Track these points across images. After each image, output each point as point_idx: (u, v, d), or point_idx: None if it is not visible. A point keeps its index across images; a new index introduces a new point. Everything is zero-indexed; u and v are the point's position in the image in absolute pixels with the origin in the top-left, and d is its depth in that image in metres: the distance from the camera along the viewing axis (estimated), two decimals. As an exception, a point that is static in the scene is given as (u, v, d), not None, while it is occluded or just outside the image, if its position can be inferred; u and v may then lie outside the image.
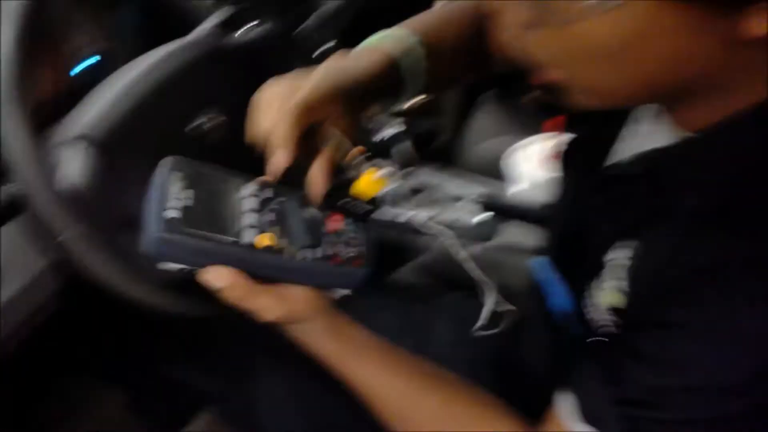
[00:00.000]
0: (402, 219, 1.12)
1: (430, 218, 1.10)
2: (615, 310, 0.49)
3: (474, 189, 1.17)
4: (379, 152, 1.20)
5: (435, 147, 1.53)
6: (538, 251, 0.62)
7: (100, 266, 0.52)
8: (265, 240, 0.51)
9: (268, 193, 0.56)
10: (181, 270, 0.50)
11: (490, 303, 0.60)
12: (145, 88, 0.62)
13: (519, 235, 1.03)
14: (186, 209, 0.49)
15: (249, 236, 0.51)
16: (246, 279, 0.51)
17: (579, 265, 0.54)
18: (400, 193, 1.18)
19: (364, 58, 0.60)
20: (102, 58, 0.82)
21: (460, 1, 0.72)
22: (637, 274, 0.47)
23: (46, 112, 0.72)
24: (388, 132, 1.10)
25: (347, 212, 0.58)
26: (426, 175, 1.21)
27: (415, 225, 1.10)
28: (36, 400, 0.99)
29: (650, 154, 0.49)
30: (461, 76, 0.76)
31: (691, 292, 0.42)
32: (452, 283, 0.91)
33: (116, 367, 0.95)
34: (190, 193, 0.50)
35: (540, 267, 0.56)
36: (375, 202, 0.57)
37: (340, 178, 0.55)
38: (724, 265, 0.41)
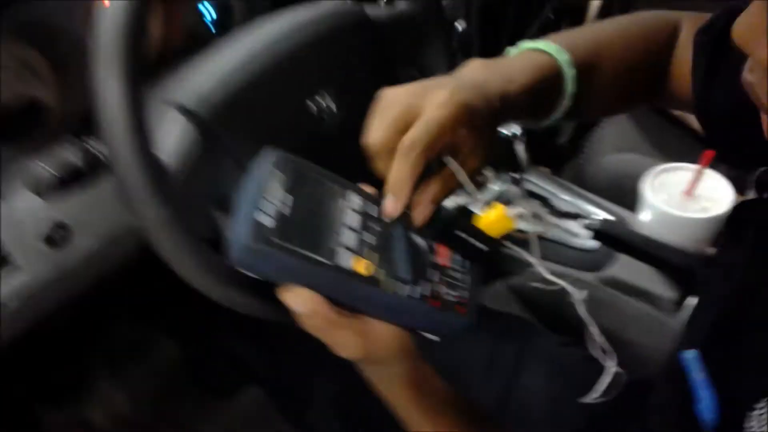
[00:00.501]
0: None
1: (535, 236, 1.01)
2: None
3: (589, 209, 1.06)
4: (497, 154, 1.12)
5: (552, 149, 1.42)
6: (683, 339, 0.51)
7: (177, 254, 0.46)
8: (360, 267, 0.44)
9: (373, 210, 0.48)
10: (263, 279, 0.45)
11: (609, 373, 0.51)
12: (265, 64, 0.56)
13: (634, 272, 0.92)
14: (281, 217, 0.43)
15: (344, 259, 0.44)
16: (328, 308, 0.45)
17: (740, 370, 0.43)
18: (508, 197, 1.10)
19: (523, 60, 0.52)
20: (222, 8, 0.77)
21: (645, 16, 0.61)
22: None
23: (153, 61, 0.69)
24: (505, 131, 1.01)
25: (460, 247, 0.50)
26: (537, 183, 1.11)
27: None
28: (94, 341, 1.00)
29: None
30: (618, 108, 0.65)
31: None
32: (550, 321, 0.82)
33: (176, 322, 0.94)
34: (289, 198, 0.44)
35: (690, 364, 0.45)
36: (495, 244, 0.49)
37: (459, 206, 0.47)
38: None
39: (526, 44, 0.56)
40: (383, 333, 0.47)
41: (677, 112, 1.18)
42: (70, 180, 0.52)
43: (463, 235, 0.48)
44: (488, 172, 1.15)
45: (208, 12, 0.76)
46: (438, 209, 0.48)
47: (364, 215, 0.48)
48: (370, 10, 0.67)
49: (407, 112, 0.45)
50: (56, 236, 0.53)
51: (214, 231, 0.52)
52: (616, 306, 0.84)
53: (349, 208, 0.47)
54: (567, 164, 1.38)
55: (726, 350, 0.45)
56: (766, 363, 0.40)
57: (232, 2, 0.78)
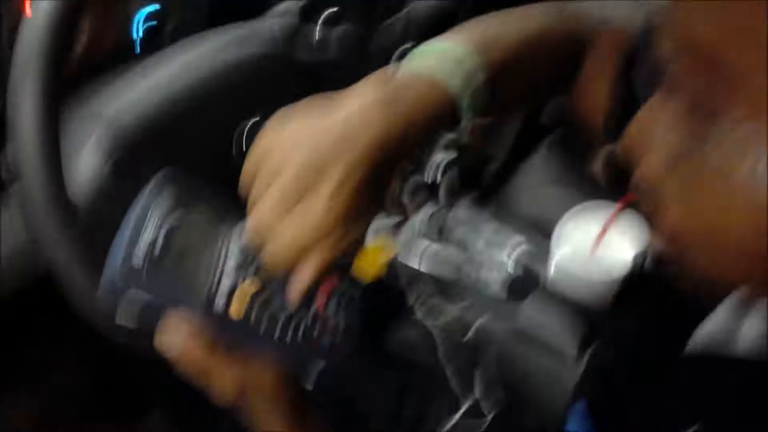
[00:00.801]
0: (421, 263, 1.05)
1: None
2: None
3: (513, 240, 1.09)
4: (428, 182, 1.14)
5: (482, 175, 1.45)
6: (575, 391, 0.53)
7: (76, 287, 0.45)
8: (236, 305, 0.44)
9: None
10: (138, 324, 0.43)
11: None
12: (186, 99, 0.55)
13: (540, 323, 0.94)
14: (153, 256, 0.41)
15: (221, 296, 0.43)
16: (202, 352, 0.43)
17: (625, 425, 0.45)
18: (429, 234, 1.12)
19: (417, 103, 0.47)
20: (156, 20, 0.76)
21: (547, 11, 0.57)
22: None
23: (74, 71, 0.67)
24: (438, 159, 1.03)
25: (337, 290, 0.50)
26: (460, 218, 1.14)
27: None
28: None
29: (741, 363, 0.40)
30: (526, 103, 0.63)
31: None
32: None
33: (84, 344, 0.91)
34: (169, 224, 0.43)
35: (576, 415, 0.47)
36: (375, 281, 0.50)
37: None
38: None
39: (433, 44, 0.51)
40: (259, 378, 0.46)
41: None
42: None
43: (340, 278, 0.49)
44: (411, 203, 1.17)
45: (141, 22, 0.75)
46: None
47: (245, 254, 0.46)
48: (299, 54, 0.67)
49: (301, 188, 0.42)
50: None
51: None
52: (522, 361, 0.86)
53: (235, 240, 0.46)
54: (496, 192, 1.41)
55: (613, 410, 0.47)
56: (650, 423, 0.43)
57: (167, 12, 0.77)
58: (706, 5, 0.29)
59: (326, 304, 0.48)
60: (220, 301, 0.43)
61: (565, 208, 0.96)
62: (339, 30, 0.72)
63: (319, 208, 0.42)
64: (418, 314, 0.92)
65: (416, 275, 1.04)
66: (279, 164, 0.43)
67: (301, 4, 0.69)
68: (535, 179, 1.26)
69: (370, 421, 0.67)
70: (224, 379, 0.44)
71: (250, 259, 0.46)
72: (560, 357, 0.85)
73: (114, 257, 0.41)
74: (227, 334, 0.44)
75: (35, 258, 0.51)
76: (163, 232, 0.42)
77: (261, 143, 0.44)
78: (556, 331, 0.91)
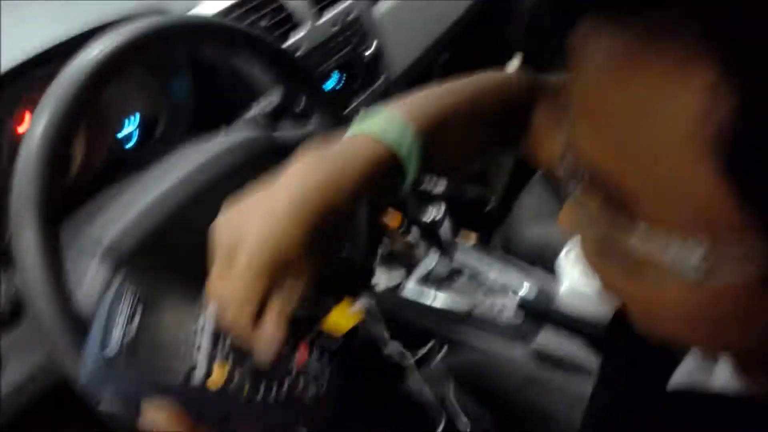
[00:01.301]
0: (430, 302, 1.08)
1: (469, 309, 1.06)
2: None
3: (518, 279, 1.11)
4: (423, 231, 1.17)
5: (481, 215, 1.48)
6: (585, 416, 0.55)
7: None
8: (214, 377, 0.45)
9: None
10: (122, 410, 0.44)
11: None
12: (179, 199, 0.59)
13: (558, 343, 0.96)
14: (126, 345, 0.42)
15: (198, 371, 0.44)
16: (188, 425, 0.43)
17: None
18: (438, 273, 1.15)
19: (351, 155, 0.47)
20: (146, 123, 0.80)
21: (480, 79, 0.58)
22: None
23: (72, 185, 0.71)
24: (430, 215, 1.06)
25: (315, 347, 0.51)
26: (468, 255, 1.16)
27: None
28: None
29: (716, 399, 0.41)
30: (467, 160, 0.59)
31: None
32: (484, 398, 0.86)
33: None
34: (137, 319, 0.44)
35: None
36: (349, 335, 0.52)
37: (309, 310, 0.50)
38: None
39: (370, 117, 0.52)
40: None
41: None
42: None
43: (316, 333, 0.50)
44: (419, 250, 1.19)
45: (132, 127, 0.80)
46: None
47: (221, 324, 0.47)
48: (282, 134, 0.71)
49: (231, 252, 0.44)
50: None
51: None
52: (542, 380, 0.88)
53: (205, 320, 0.47)
54: (495, 231, 1.44)
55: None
56: None
57: (156, 117, 0.82)
58: (590, 127, 0.31)
59: (307, 359, 0.50)
60: (198, 375, 0.44)
61: (558, 240, 0.99)
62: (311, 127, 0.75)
63: (242, 264, 0.43)
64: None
65: (430, 314, 1.07)
66: (218, 238, 0.45)
67: (271, 107, 0.74)
68: (534, 213, 1.29)
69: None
70: None
71: (224, 334, 0.47)
72: (580, 372, 0.87)
73: (89, 351, 0.42)
74: (209, 407, 0.44)
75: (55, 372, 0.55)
76: (135, 321, 0.44)
77: (214, 224, 0.46)
78: (574, 349, 0.93)
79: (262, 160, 0.67)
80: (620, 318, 0.55)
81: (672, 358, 0.46)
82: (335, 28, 0.95)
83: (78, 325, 0.47)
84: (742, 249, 0.28)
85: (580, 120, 0.32)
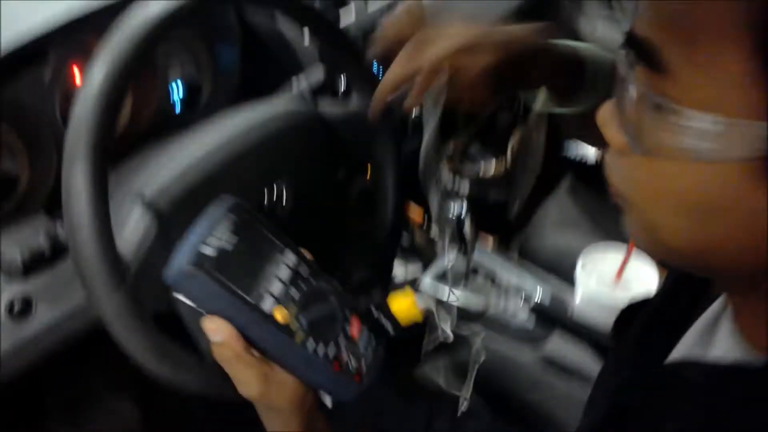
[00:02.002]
0: (446, 299, 1.09)
1: (481, 311, 1.07)
2: None
3: (532, 285, 1.12)
4: (443, 229, 1.18)
5: (502, 222, 1.49)
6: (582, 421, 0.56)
7: (129, 338, 0.50)
8: (278, 314, 0.50)
9: (305, 271, 0.54)
10: (191, 310, 0.49)
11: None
12: (222, 159, 0.60)
13: (568, 350, 0.97)
14: (222, 252, 0.49)
15: (266, 304, 0.49)
16: (240, 343, 0.49)
17: None
18: (455, 271, 1.16)
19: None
20: (191, 89, 0.82)
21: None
22: None
23: (119, 140, 0.73)
24: (452, 213, 1.07)
25: (371, 324, 0.56)
26: (486, 257, 1.17)
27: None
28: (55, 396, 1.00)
29: (715, 368, 0.43)
30: None
31: None
32: (492, 397, 0.87)
33: (137, 385, 0.95)
34: (234, 239, 0.50)
35: None
36: (401, 329, 0.55)
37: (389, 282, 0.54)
38: None
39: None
40: (284, 383, 0.51)
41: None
42: (33, 265, 0.55)
43: (375, 313, 0.56)
44: (439, 246, 1.21)
45: (177, 92, 0.81)
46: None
47: (296, 273, 0.53)
48: (324, 108, 0.72)
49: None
50: (17, 309, 0.56)
51: (169, 307, 0.56)
52: (548, 386, 0.89)
53: (284, 263, 0.53)
54: (515, 236, 1.44)
55: None
56: None
57: (201, 83, 0.83)
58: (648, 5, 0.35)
59: (359, 333, 0.54)
60: (267, 304, 0.49)
61: (583, 247, 0.99)
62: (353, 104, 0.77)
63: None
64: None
65: (447, 308, 1.08)
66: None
67: (315, 81, 0.75)
68: (555, 221, 1.29)
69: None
70: (252, 373, 0.50)
71: (296, 283, 0.52)
72: (586, 380, 0.88)
73: (185, 247, 0.48)
74: (265, 339, 0.50)
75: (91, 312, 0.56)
76: (232, 240, 0.50)
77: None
78: (582, 357, 0.94)
79: (303, 131, 0.68)
80: (626, 314, 0.57)
81: (674, 335, 0.48)
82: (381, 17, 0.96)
83: (117, 269, 0.49)
84: (757, 130, 0.31)
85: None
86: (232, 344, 0.49)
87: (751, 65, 0.31)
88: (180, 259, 0.47)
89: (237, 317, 0.49)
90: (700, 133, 0.33)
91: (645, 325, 0.54)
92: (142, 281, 0.52)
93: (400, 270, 1.19)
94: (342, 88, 0.81)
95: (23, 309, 0.56)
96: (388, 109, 0.77)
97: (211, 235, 0.49)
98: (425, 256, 1.20)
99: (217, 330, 0.49)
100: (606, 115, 0.40)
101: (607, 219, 1.25)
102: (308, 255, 0.57)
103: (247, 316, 0.49)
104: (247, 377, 0.50)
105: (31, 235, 0.57)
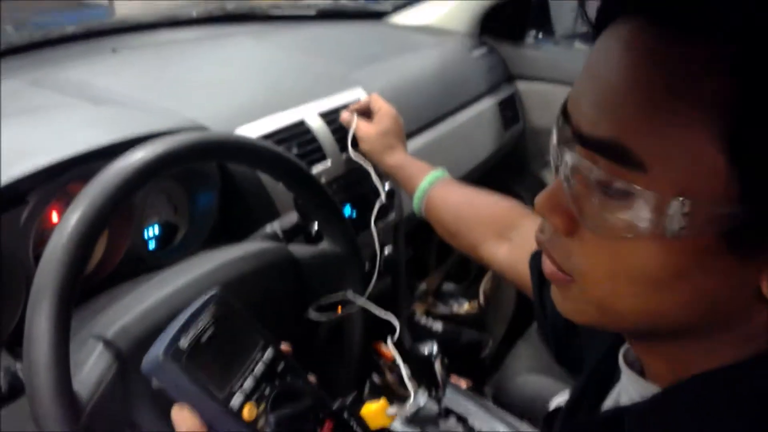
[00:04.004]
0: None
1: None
2: None
3: (509, 420, 1.10)
4: (414, 366, 1.18)
5: (475, 363, 1.48)
6: None
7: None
8: (246, 412, 0.50)
9: (281, 367, 0.55)
10: (165, 395, 0.50)
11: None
12: (188, 300, 0.61)
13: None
14: (198, 344, 0.50)
15: (236, 400, 0.50)
16: None
17: None
18: (426, 413, 1.14)
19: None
20: (167, 229, 0.84)
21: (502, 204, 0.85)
22: None
23: (93, 279, 0.74)
24: (424, 350, 1.08)
25: (342, 428, 0.55)
26: (457, 399, 1.16)
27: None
28: None
29: (615, 412, 0.46)
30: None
31: None
32: None
33: None
34: (213, 331, 0.52)
35: None
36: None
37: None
38: None
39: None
40: None
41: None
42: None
43: (347, 417, 0.55)
44: (410, 388, 1.19)
45: (152, 233, 0.83)
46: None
47: (271, 370, 0.54)
48: (295, 250, 0.75)
49: None
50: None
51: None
52: None
53: (261, 358, 0.54)
54: (489, 379, 1.43)
55: None
56: None
57: (177, 225, 0.86)
58: (602, 103, 0.37)
59: None
60: (237, 400, 0.50)
61: (549, 394, 0.99)
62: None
63: None
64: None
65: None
66: None
67: (290, 224, 0.79)
68: (528, 364, 1.29)
69: None
70: None
71: (269, 380, 0.53)
72: None
73: (164, 337, 0.49)
74: (230, 429, 0.50)
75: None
76: (209, 331, 0.52)
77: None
78: None
79: (274, 270, 0.70)
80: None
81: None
82: (355, 166, 1.02)
83: (71, 409, 0.49)
84: (723, 210, 0.34)
85: (594, 95, 0.38)
86: None
87: (718, 148, 0.33)
88: (156, 349, 0.49)
89: (204, 410, 0.49)
90: (667, 214, 0.35)
91: (569, 409, 0.56)
92: (97, 420, 0.52)
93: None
94: (314, 232, 0.85)
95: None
96: (357, 249, 0.80)
97: (191, 326, 0.51)
98: (395, 395, 1.18)
99: (182, 421, 0.49)
100: (545, 201, 0.42)
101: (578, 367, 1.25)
102: (287, 349, 0.58)
103: (213, 410, 0.49)
104: None
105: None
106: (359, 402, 0.58)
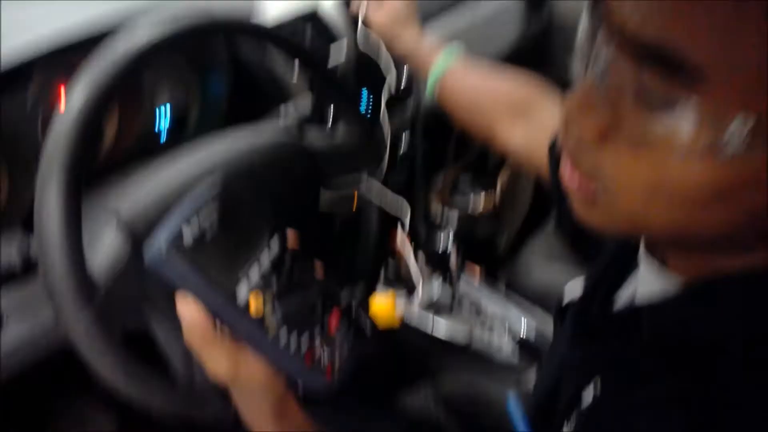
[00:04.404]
0: (433, 328, 1.08)
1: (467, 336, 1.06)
2: None
3: (518, 317, 1.12)
4: (430, 258, 1.18)
5: (491, 254, 1.49)
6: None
7: (95, 358, 0.49)
8: (252, 303, 0.49)
9: (288, 257, 0.53)
10: (167, 286, 0.49)
11: None
12: (198, 182, 0.61)
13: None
14: (202, 234, 0.48)
15: (242, 291, 0.49)
16: (209, 326, 0.49)
17: (550, 416, 0.49)
18: (441, 301, 1.15)
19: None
20: (178, 114, 0.83)
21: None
22: (587, 416, 0.43)
23: (101, 162, 0.73)
24: (441, 242, 1.08)
25: (350, 321, 0.55)
26: (472, 287, 1.17)
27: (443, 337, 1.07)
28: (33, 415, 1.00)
29: (633, 309, 0.45)
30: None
31: None
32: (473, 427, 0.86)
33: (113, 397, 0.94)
34: (218, 221, 0.50)
35: (512, 404, 0.51)
36: (378, 332, 0.55)
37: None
38: None
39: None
40: (254, 366, 0.51)
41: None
42: (4, 280, 0.55)
43: (355, 311, 0.55)
44: (425, 274, 1.21)
45: (164, 116, 0.82)
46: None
47: (279, 261, 0.52)
48: (310, 140, 0.73)
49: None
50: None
51: (143, 326, 0.56)
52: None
53: (268, 249, 0.52)
54: (503, 268, 1.44)
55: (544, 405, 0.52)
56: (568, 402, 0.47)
57: (188, 109, 0.84)
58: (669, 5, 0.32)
59: (336, 329, 0.54)
60: (242, 295, 0.49)
61: (563, 281, 0.99)
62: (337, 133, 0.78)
63: None
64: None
65: (429, 340, 1.08)
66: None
67: (301, 112, 0.76)
68: (543, 255, 1.29)
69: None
70: (220, 356, 0.50)
71: (276, 270, 0.52)
72: None
73: (166, 227, 0.48)
74: (238, 323, 0.49)
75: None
76: (213, 221, 0.49)
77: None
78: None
79: (288, 162, 0.69)
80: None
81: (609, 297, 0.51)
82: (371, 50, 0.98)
83: (85, 287, 0.49)
84: None
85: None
86: (201, 326, 0.49)
87: None
88: (159, 239, 0.47)
89: (209, 302, 0.49)
90: (725, 130, 0.31)
91: (582, 300, 0.55)
92: (112, 300, 0.52)
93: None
94: (329, 119, 0.82)
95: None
96: (374, 136, 0.78)
97: (195, 215, 0.49)
98: (409, 285, 1.20)
99: (187, 311, 0.49)
100: (575, 103, 0.37)
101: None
102: (294, 239, 0.56)
103: (218, 301, 0.48)
104: (215, 359, 0.50)
105: (5, 251, 0.57)
106: (368, 295, 0.57)
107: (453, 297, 1.15)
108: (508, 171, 1.55)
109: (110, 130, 0.74)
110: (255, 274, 0.50)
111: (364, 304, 0.55)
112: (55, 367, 0.68)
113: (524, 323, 1.09)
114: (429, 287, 1.19)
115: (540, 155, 0.71)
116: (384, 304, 0.53)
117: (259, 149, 0.67)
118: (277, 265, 0.52)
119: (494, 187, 1.56)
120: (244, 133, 0.69)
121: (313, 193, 0.75)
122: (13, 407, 0.93)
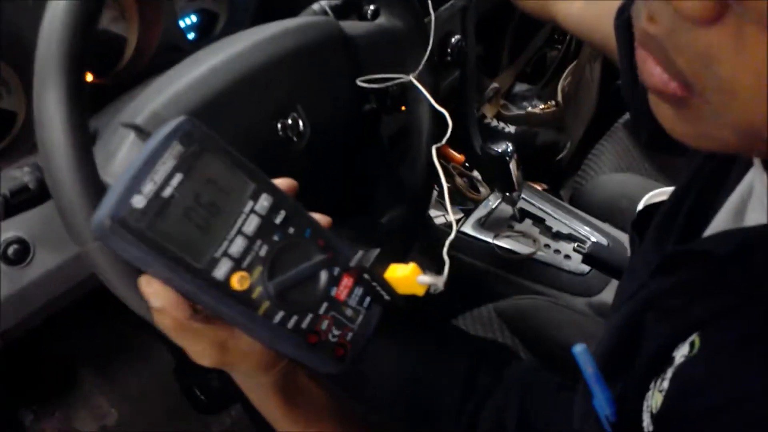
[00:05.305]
0: (490, 243, 1.01)
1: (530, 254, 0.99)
2: (652, 416, 0.36)
3: (582, 230, 1.03)
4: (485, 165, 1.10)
5: (552, 165, 1.39)
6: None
7: (114, 277, 0.44)
8: (235, 280, 0.39)
9: (279, 215, 0.41)
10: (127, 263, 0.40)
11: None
12: (226, 80, 0.53)
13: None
14: (159, 200, 0.37)
15: (221, 268, 0.38)
16: (182, 311, 0.39)
17: (629, 364, 0.41)
18: (498, 216, 1.08)
19: None
20: (206, 18, 0.76)
21: None
22: (685, 377, 0.35)
23: (128, 72, 0.67)
24: (497, 149, 0.99)
25: (364, 287, 0.45)
26: (534, 202, 1.09)
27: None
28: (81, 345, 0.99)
29: (744, 233, 0.36)
30: None
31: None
32: (533, 344, 0.80)
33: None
34: (181, 178, 0.37)
35: (579, 358, 0.43)
36: (398, 299, 0.45)
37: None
38: None
39: None
40: (246, 348, 0.42)
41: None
42: (19, 201, 0.50)
43: (370, 275, 0.43)
44: (483, 189, 1.13)
45: (190, 23, 0.75)
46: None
47: (267, 222, 0.41)
48: (348, 26, 0.64)
49: None
50: (13, 254, 0.52)
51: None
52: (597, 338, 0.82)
53: (252, 208, 0.40)
54: (566, 181, 1.35)
55: (622, 349, 0.44)
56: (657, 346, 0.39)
57: (216, 11, 0.77)
58: None
59: (347, 297, 0.44)
60: (222, 269, 0.38)
61: (643, 193, 0.90)
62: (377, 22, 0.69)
63: None
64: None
65: (489, 257, 1.01)
66: None
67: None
68: (611, 164, 1.19)
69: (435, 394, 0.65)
70: (203, 343, 0.41)
71: (266, 232, 0.41)
72: None
73: (114, 189, 0.36)
74: (220, 304, 0.39)
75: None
76: (175, 179, 0.37)
77: None
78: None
79: (324, 49, 0.60)
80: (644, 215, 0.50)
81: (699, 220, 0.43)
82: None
83: (96, 197, 0.41)
84: None
85: None
86: (173, 312, 0.39)
87: None
88: (102, 211, 0.36)
89: (178, 285, 0.38)
90: None
91: (667, 216, 0.47)
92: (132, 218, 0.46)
93: (438, 215, 1.12)
94: (369, 11, 0.73)
95: (21, 254, 0.52)
96: (420, 26, 0.69)
97: (149, 175, 0.37)
98: (466, 198, 1.12)
99: (154, 294, 0.39)
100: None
101: (669, 162, 1.14)
102: (288, 186, 0.44)
103: (190, 283, 0.38)
104: (198, 348, 0.41)
105: (17, 173, 0.51)
106: (383, 261, 0.45)
107: (513, 211, 1.06)
108: (570, 73, 1.43)
109: (130, 41, 0.68)
110: (238, 243, 0.39)
111: (379, 274, 0.43)
112: (104, 299, 0.64)
113: (592, 237, 1.01)
114: (487, 201, 1.11)
115: (605, 29, 0.63)
116: (403, 274, 0.42)
117: (289, 33, 0.58)
118: (265, 229, 0.41)
119: (553, 95, 1.44)
120: (274, 22, 0.61)
121: (356, 90, 0.65)
122: (66, 341, 0.92)
